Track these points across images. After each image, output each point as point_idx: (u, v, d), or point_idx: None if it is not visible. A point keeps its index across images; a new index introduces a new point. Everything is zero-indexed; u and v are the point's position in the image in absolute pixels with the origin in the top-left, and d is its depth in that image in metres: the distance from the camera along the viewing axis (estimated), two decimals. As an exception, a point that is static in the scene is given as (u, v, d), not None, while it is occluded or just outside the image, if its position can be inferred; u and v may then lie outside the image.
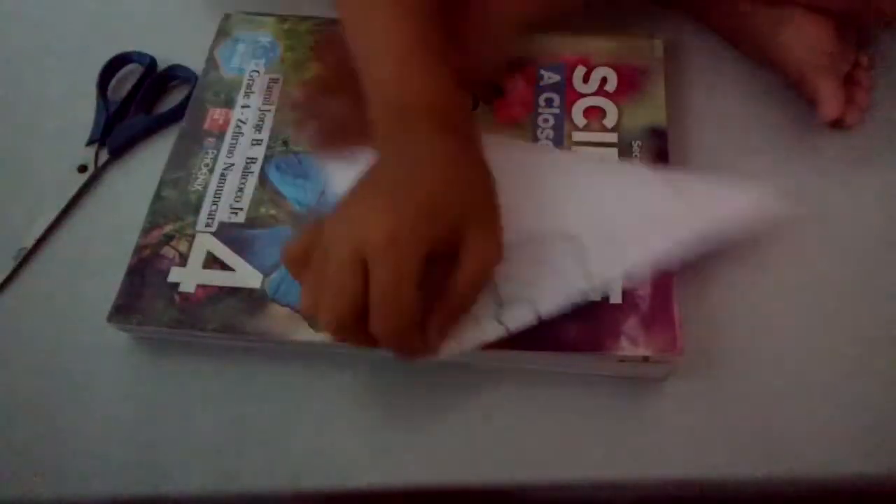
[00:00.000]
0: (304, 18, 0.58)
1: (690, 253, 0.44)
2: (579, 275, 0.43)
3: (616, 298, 0.44)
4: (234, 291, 0.46)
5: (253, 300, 0.45)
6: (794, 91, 0.53)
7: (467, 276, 0.38)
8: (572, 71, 0.54)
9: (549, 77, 0.54)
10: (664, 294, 0.44)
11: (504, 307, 0.42)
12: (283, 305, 0.45)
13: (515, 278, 0.43)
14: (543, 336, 0.42)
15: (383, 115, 0.41)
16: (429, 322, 0.39)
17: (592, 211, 0.46)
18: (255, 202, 0.49)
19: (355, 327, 0.37)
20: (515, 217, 0.40)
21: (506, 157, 0.42)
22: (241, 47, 0.57)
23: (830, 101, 0.50)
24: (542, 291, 0.43)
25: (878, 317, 0.46)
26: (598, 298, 0.43)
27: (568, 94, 0.52)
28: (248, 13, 0.58)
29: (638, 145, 0.50)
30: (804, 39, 0.51)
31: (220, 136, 0.52)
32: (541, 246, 0.44)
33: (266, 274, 0.46)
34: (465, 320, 0.40)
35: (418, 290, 0.36)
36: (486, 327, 0.42)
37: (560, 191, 0.47)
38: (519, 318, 0.42)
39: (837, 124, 0.51)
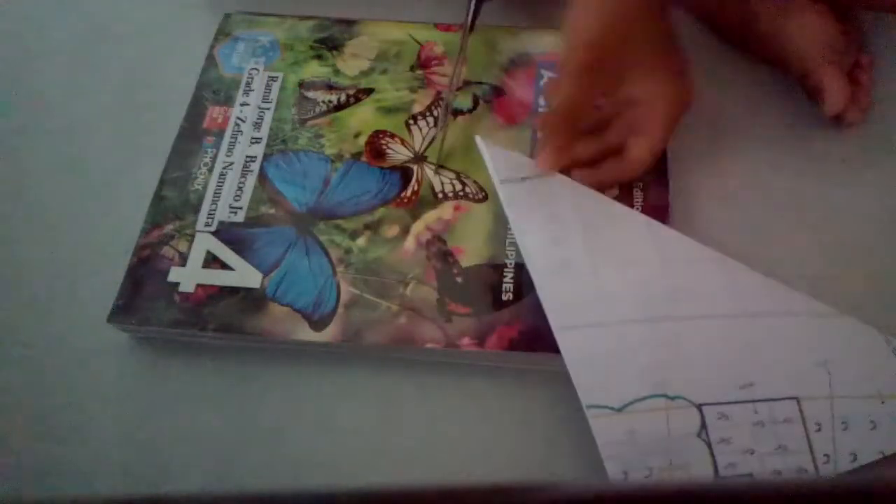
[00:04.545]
0: (304, 18, 0.58)
1: None
2: (802, 448, 0.40)
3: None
4: (233, 291, 0.46)
5: (253, 300, 0.45)
6: (797, 86, 0.53)
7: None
8: (572, 70, 0.53)
9: (550, 77, 0.54)
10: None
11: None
12: (282, 305, 0.45)
13: (734, 441, 0.40)
14: (546, 337, 0.42)
15: None
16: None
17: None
18: (255, 201, 0.49)
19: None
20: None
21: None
22: (241, 46, 0.57)
23: (836, 93, 0.50)
24: (763, 467, 0.40)
25: (878, 317, 0.46)
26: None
27: (568, 94, 0.52)
28: (249, 13, 0.58)
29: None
30: (809, 32, 0.51)
31: (220, 135, 0.52)
32: (761, 404, 0.41)
33: (266, 273, 0.46)
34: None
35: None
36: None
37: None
38: None
39: (838, 121, 0.51)
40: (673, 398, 0.40)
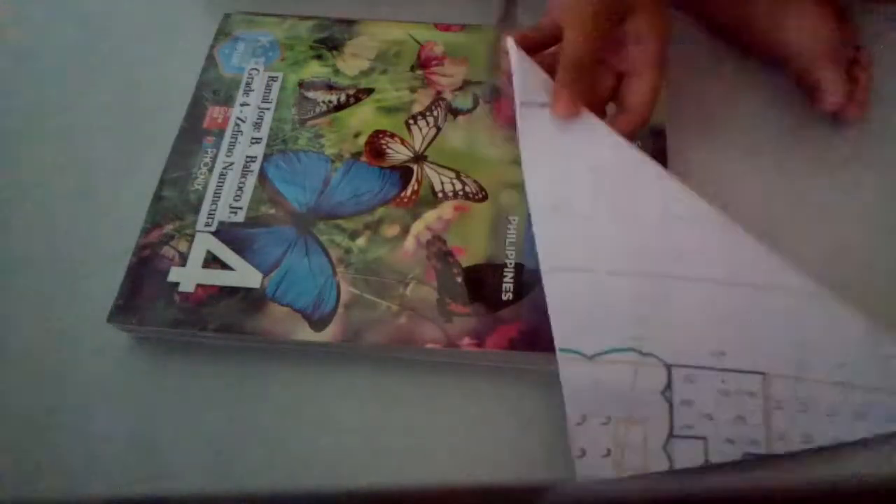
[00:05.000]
0: (304, 18, 0.58)
1: None
2: (758, 422, 0.40)
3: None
4: (233, 291, 0.46)
5: (252, 300, 0.45)
6: (795, 84, 0.53)
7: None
8: (572, 70, 0.53)
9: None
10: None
11: (674, 440, 0.40)
12: (282, 305, 0.45)
13: (695, 405, 0.41)
14: (546, 337, 0.42)
15: None
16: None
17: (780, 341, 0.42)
18: (255, 201, 0.49)
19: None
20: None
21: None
22: (241, 46, 0.57)
23: (833, 89, 0.50)
24: (718, 434, 0.40)
25: (877, 317, 0.46)
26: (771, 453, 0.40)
27: (568, 94, 0.52)
28: (249, 13, 0.59)
29: (637, 145, 0.50)
30: (806, 29, 0.51)
31: (220, 135, 0.52)
32: (728, 374, 0.41)
33: (266, 273, 0.46)
34: (632, 438, 0.40)
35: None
36: (650, 457, 0.40)
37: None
38: (686, 457, 0.40)
39: (837, 118, 0.51)
40: (644, 355, 0.41)
